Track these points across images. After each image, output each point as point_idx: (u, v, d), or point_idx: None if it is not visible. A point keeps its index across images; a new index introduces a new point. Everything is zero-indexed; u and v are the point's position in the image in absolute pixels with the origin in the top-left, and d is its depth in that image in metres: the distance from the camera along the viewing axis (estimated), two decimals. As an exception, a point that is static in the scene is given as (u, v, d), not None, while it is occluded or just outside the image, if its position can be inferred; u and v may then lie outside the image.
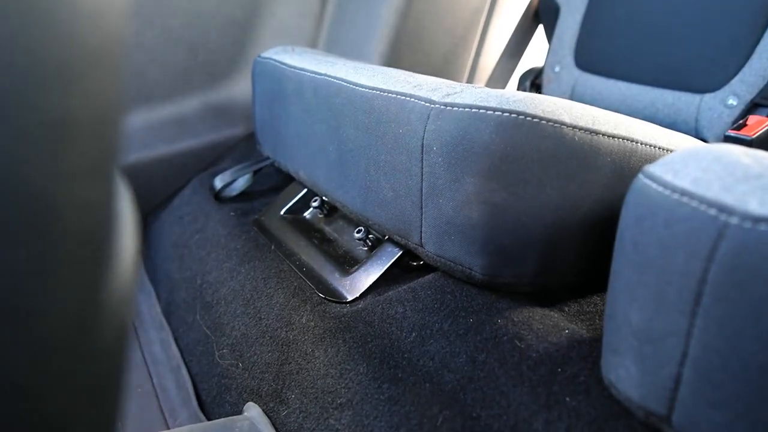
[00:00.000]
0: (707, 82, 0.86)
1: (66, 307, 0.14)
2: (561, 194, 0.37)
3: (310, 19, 0.94)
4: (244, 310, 0.50)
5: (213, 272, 0.56)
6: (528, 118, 0.35)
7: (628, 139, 0.39)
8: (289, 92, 0.58)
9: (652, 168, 0.30)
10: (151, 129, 0.83)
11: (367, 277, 0.49)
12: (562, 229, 0.38)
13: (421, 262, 0.50)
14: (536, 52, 1.17)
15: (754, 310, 0.24)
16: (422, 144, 0.40)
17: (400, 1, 0.87)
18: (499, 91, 0.37)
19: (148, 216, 0.81)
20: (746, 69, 0.85)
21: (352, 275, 0.49)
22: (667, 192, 0.27)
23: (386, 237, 0.52)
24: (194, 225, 0.63)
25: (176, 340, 0.56)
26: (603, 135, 0.37)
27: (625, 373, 0.31)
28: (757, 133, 0.75)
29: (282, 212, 0.64)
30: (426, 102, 0.40)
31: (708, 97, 0.87)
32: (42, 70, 0.13)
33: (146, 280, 0.66)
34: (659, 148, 0.41)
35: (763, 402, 0.24)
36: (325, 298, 0.48)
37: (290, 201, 0.65)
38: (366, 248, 0.53)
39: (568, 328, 0.40)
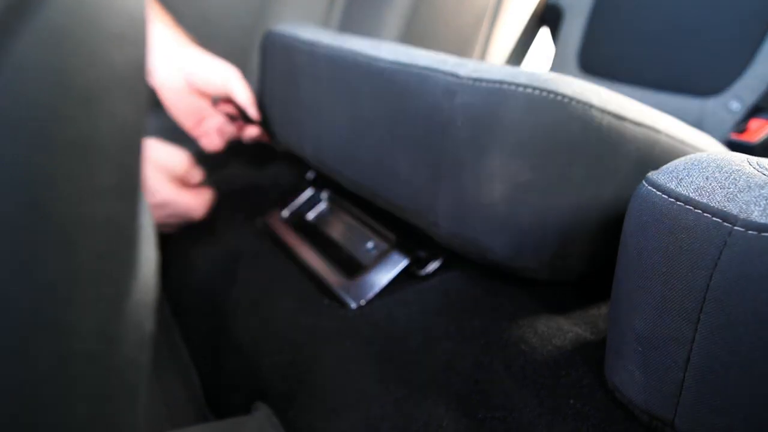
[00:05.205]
0: (710, 86, 0.86)
1: (90, 318, 0.15)
2: (586, 178, 0.36)
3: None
4: (252, 313, 0.51)
5: (220, 275, 0.57)
6: (558, 97, 0.34)
7: (653, 129, 0.38)
8: (301, 65, 0.56)
9: (656, 176, 0.30)
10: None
11: (372, 284, 0.49)
12: (583, 214, 0.38)
13: (428, 272, 0.49)
14: (539, 54, 1.17)
15: (757, 318, 0.24)
16: (446, 119, 0.38)
17: (404, 7, 0.87)
18: (528, 70, 0.37)
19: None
20: (749, 73, 0.85)
21: (358, 282, 0.49)
22: (671, 200, 0.28)
23: (394, 241, 0.52)
24: (201, 227, 0.64)
25: (185, 341, 0.57)
26: (629, 122, 0.37)
27: (629, 377, 0.32)
28: (760, 138, 0.76)
29: (288, 215, 0.64)
30: (452, 77, 0.38)
31: (711, 100, 0.87)
32: (69, 93, 0.13)
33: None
34: (681, 141, 0.40)
35: (764, 408, 0.25)
36: (330, 303, 0.48)
37: (296, 203, 0.65)
38: (372, 255, 0.53)
39: (572, 331, 0.41)
